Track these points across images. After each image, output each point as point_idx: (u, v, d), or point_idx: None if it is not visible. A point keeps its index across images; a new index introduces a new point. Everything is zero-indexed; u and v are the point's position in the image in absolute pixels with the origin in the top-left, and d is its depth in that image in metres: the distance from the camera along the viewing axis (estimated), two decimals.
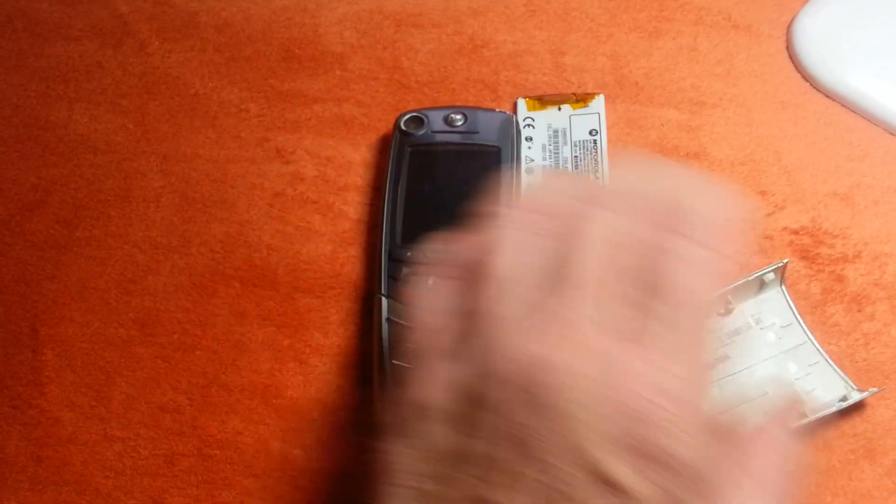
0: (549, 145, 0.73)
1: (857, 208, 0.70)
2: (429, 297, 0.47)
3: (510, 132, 0.71)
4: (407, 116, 0.72)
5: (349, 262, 0.71)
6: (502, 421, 0.39)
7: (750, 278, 0.64)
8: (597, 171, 0.71)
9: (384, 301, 0.65)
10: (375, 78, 0.79)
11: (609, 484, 0.37)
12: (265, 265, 0.71)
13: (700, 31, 0.79)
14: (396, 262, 0.66)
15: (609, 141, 0.73)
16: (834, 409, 0.60)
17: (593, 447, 0.37)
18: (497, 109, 0.73)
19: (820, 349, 0.63)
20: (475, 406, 0.40)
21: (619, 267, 0.42)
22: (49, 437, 0.65)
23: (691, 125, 0.74)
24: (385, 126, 0.76)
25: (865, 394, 0.61)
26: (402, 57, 0.80)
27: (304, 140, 0.76)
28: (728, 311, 0.64)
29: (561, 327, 0.40)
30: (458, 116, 0.72)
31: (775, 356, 0.63)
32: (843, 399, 0.60)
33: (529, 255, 0.44)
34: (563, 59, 0.78)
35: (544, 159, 0.72)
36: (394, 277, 0.65)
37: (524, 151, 0.72)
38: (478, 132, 0.71)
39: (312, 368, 0.67)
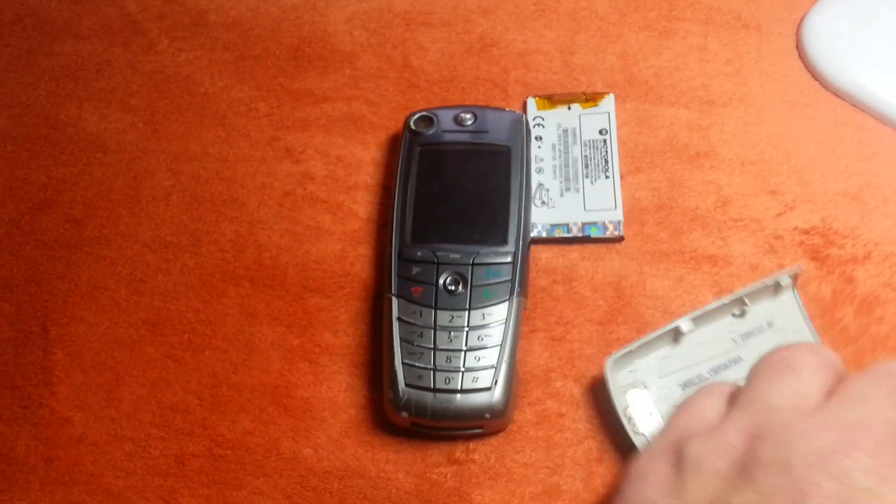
0: (559, 145, 0.73)
1: (867, 208, 0.69)
2: None
3: (520, 132, 0.71)
4: (417, 116, 0.72)
5: (359, 261, 0.71)
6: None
7: (768, 282, 0.64)
8: (607, 170, 0.71)
9: (394, 300, 0.65)
10: (385, 77, 0.79)
11: None
12: (275, 264, 0.71)
13: (710, 31, 0.79)
14: (406, 261, 0.66)
15: (619, 140, 0.73)
16: None
17: None
18: (507, 109, 0.73)
19: None
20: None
21: None
22: (59, 437, 0.66)
23: (701, 124, 0.74)
24: (394, 125, 0.76)
25: None
26: (411, 56, 0.80)
27: (313, 139, 0.76)
28: (743, 314, 0.64)
29: None
30: (468, 116, 0.72)
31: None
32: None
33: None
34: (572, 59, 0.78)
35: (554, 159, 0.72)
36: (404, 277, 0.65)
37: (534, 151, 0.72)
38: (487, 131, 0.71)
39: (322, 368, 0.67)
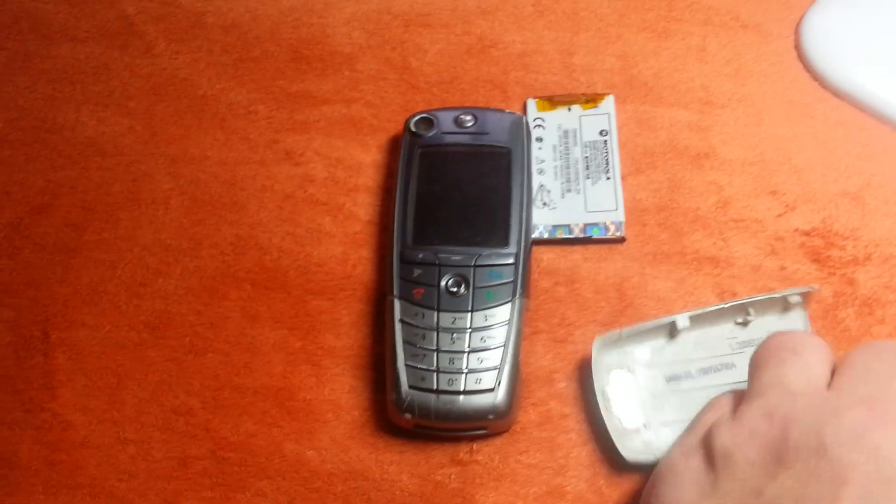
0: (560, 146, 0.73)
1: (867, 208, 0.70)
2: None
3: (520, 133, 0.71)
4: (417, 118, 0.72)
5: (360, 263, 0.70)
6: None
7: (775, 296, 0.64)
8: (608, 171, 0.71)
9: (396, 302, 0.65)
10: (384, 78, 0.79)
11: None
12: (276, 267, 0.71)
13: (709, 31, 0.79)
14: (408, 263, 0.66)
15: (619, 141, 0.73)
16: None
17: None
18: (507, 110, 0.73)
19: None
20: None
21: None
22: (62, 440, 0.65)
23: (701, 125, 0.74)
24: (395, 127, 0.76)
25: None
26: (410, 57, 0.80)
27: (313, 141, 0.76)
28: (746, 323, 0.64)
29: None
30: (468, 117, 0.72)
31: None
32: None
33: None
34: (572, 60, 0.78)
35: (555, 160, 0.72)
36: (405, 279, 0.65)
37: (534, 152, 0.72)
38: (488, 133, 0.71)
39: (325, 370, 0.67)
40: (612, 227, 0.69)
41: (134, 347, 0.68)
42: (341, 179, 0.74)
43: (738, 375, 0.62)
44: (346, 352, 0.67)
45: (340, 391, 0.66)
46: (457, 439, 0.63)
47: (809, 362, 0.52)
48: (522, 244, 0.66)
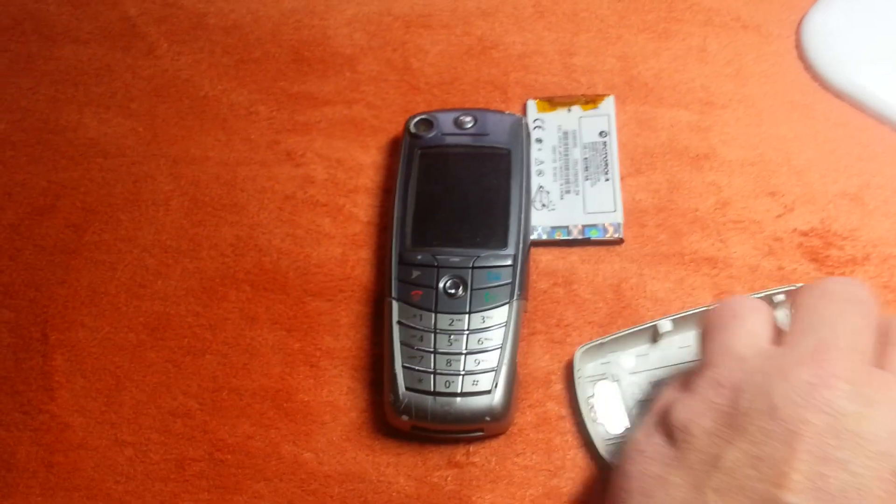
0: (559, 147, 0.73)
1: (866, 209, 0.69)
2: None
3: (520, 134, 0.71)
4: (417, 119, 0.72)
5: (359, 264, 0.71)
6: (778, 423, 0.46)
7: (759, 295, 0.64)
8: (607, 173, 0.71)
9: (394, 304, 0.65)
10: (385, 80, 0.79)
11: None
12: (275, 268, 0.71)
13: (709, 32, 0.79)
14: (406, 264, 0.66)
15: (619, 142, 0.73)
16: None
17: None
18: (507, 111, 0.73)
19: None
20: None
21: None
22: (60, 442, 0.66)
23: (701, 126, 0.74)
24: (395, 128, 0.76)
25: None
26: (411, 58, 0.80)
27: (314, 142, 0.76)
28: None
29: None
30: (468, 119, 0.72)
31: None
32: None
33: None
34: (572, 61, 0.78)
35: (554, 161, 0.72)
36: (404, 280, 0.65)
37: (534, 153, 0.72)
38: (488, 134, 0.71)
39: (323, 372, 0.67)
40: (611, 229, 0.69)
41: (133, 349, 0.69)
42: (341, 180, 0.74)
43: None
44: (345, 353, 0.67)
45: (338, 393, 0.66)
46: (454, 441, 0.64)
47: (751, 324, 0.53)
48: (521, 246, 0.66)
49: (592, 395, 0.63)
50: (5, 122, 0.80)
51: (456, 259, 0.65)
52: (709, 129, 0.74)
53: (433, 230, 0.67)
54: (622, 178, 0.71)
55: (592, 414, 0.63)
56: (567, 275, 0.69)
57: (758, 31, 0.78)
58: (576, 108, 0.75)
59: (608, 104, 0.75)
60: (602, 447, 0.62)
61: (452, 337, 0.63)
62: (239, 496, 0.63)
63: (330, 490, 0.63)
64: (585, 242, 0.70)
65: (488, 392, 0.61)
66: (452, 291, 0.64)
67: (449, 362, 0.62)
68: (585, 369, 0.64)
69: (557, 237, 0.69)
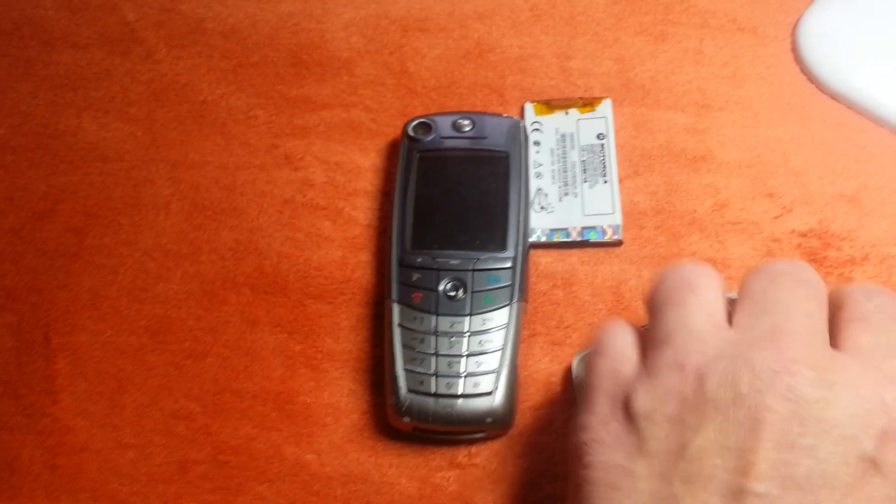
0: (557, 149, 0.73)
1: (864, 210, 0.70)
2: None
3: (518, 137, 0.71)
4: (415, 122, 0.72)
5: (359, 267, 0.71)
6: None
7: (733, 296, 0.64)
8: (605, 175, 0.71)
9: (395, 306, 0.65)
10: (383, 83, 0.79)
11: (869, 461, 0.44)
12: (276, 272, 0.71)
13: (705, 34, 0.79)
14: (407, 267, 0.66)
15: (617, 144, 0.73)
16: None
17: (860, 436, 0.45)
18: (505, 114, 0.73)
19: None
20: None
21: None
22: (63, 445, 0.66)
23: (698, 128, 0.74)
24: (393, 131, 0.76)
25: None
26: (408, 62, 0.80)
27: (312, 146, 0.76)
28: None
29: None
30: (466, 122, 0.72)
31: None
32: None
33: None
34: (569, 63, 0.78)
35: (552, 164, 0.72)
36: (404, 283, 0.66)
37: (532, 156, 0.73)
38: (486, 137, 0.71)
39: (324, 374, 0.67)
40: (610, 231, 0.69)
41: (134, 352, 0.69)
42: (340, 184, 0.74)
43: None
44: (346, 355, 0.68)
45: (340, 395, 0.66)
46: (455, 442, 0.64)
47: (707, 298, 0.52)
48: (520, 248, 0.66)
49: None
50: (5, 126, 0.80)
51: (456, 261, 0.66)
52: (706, 131, 0.74)
53: (433, 233, 0.68)
54: (620, 181, 0.72)
55: None
56: (566, 277, 0.69)
57: (754, 33, 0.79)
58: (573, 111, 0.75)
59: (605, 107, 0.75)
60: None
61: (453, 339, 0.63)
62: (241, 498, 0.63)
63: (332, 491, 0.63)
64: (584, 244, 0.70)
65: (489, 394, 0.62)
66: (453, 294, 0.64)
67: (450, 364, 0.62)
68: (584, 375, 0.64)
69: (556, 239, 0.70)
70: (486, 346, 0.63)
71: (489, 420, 0.62)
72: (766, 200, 0.71)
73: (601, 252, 0.70)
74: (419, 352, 0.63)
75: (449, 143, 0.71)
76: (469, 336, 0.63)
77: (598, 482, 0.48)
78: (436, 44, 0.81)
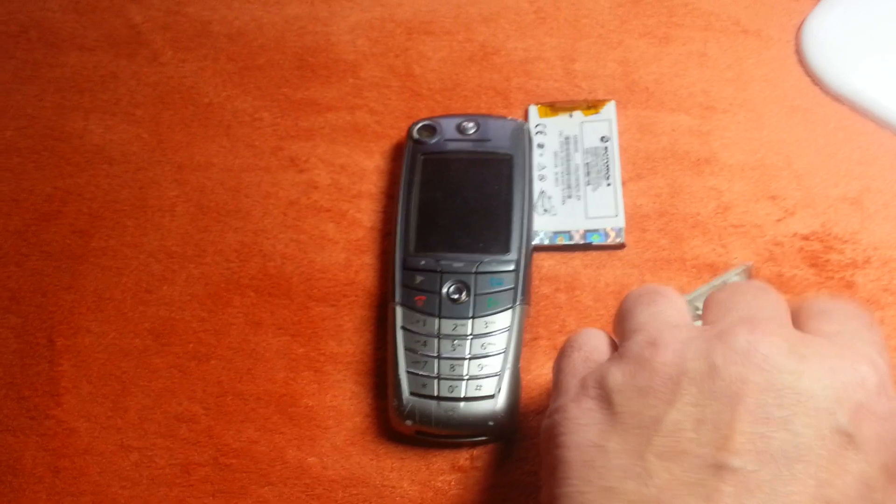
0: (561, 152, 0.73)
1: (866, 213, 0.70)
2: None
3: (522, 140, 0.71)
4: (419, 125, 0.73)
5: (363, 269, 0.71)
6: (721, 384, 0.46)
7: (715, 283, 0.64)
8: (608, 177, 0.71)
9: (398, 309, 0.65)
10: (388, 86, 0.79)
11: (844, 435, 0.44)
12: (280, 274, 0.71)
13: (709, 37, 0.79)
14: (410, 270, 0.66)
15: (620, 147, 0.73)
16: None
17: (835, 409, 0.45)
18: (509, 117, 0.73)
19: None
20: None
21: None
22: (66, 447, 0.66)
23: (702, 130, 0.74)
24: (398, 133, 0.76)
25: None
26: (413, 64, 0.80)
27: (317, 148, 0.76)
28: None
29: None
30: (471, 124, 0.72)
31: None
32: None
33: None
34: (573, 66, 0.78)
35: (556, 166, 0.73)
36: (407, 286, 0.66)
37: (536, 158, 0.73)
38: (490, 140, 0.72)
39: (327, 376, 0.67)
40: (613, 234, 0.70)
41: (138, 354, 0.69)
42: (345, 186, 0.75)
43: None
44: (348, 358, 0.68)
45: (342, 397, 0.66)
46: (457, 446, 0.64)
47: (676, 301, 0.53)
48: (523, 251, 0.67)
49: None
50: (11, 129, 0.80)
51: (459, 264, 0.66)
52: (709, 133, 0.74)
53: (436, 235, 0.68)
54: (623, 183, 0.72)
55: None
56: (569, 280, 0.69)
57: (758, 35, 0.79)
58: (577, 114, 0.75)
59: (609, 109, 0.75)
60: None
61: (456, 342, 0.63)
62: (244, 500, 0.63)
63: (334, 494, 0.63)
64: (587, 247, 0.70)
65: (492, 397, 0.62)
66: (456, 296, 0.65)
67: (452, 367, 0.63)
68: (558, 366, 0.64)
69: (559, 242, 0.70)
70: (489, 350, 0.63)
71: (491, 423, 0.62)
72: (769, 203, 0.71)
73: (604, 255, 0.70)
74: (422, 354, 0.63)
75: (453, 146, 0.72)
76: (472, 339, 0.63)
77: (572, 461, 0.47)
78: (440, 46, 0.81)
